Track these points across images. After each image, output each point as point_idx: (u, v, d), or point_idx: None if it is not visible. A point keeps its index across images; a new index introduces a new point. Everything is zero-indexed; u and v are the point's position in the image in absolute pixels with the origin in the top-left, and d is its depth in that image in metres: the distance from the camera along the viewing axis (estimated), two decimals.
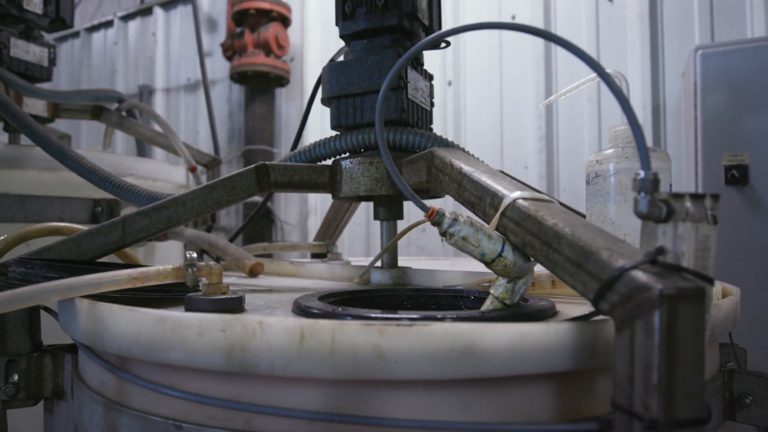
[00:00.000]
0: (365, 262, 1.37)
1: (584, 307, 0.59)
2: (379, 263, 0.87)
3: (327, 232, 1.30)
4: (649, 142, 1.94)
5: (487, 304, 0.51)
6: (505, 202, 0.51)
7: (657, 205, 0.39)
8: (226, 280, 0.98)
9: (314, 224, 2.45)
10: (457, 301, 0.69)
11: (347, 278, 0.95)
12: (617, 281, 0.37)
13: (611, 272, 0.38)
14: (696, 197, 0.39)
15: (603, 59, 2.01)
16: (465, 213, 0.50)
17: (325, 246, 1.25)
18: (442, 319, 0.44)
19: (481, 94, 2.24)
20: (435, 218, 0.49)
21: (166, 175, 1.46)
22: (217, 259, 1.13)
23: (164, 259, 1.37)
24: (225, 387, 0.44)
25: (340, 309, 0.48)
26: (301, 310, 0.52)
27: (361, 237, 2.34)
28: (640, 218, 0.39)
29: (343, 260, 1.23)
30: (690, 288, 0.35)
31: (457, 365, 0.40)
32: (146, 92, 3.48)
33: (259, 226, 2.42)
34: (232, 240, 1.19)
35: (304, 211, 2.51)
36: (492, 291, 0.51)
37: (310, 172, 0.84)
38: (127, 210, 1.03)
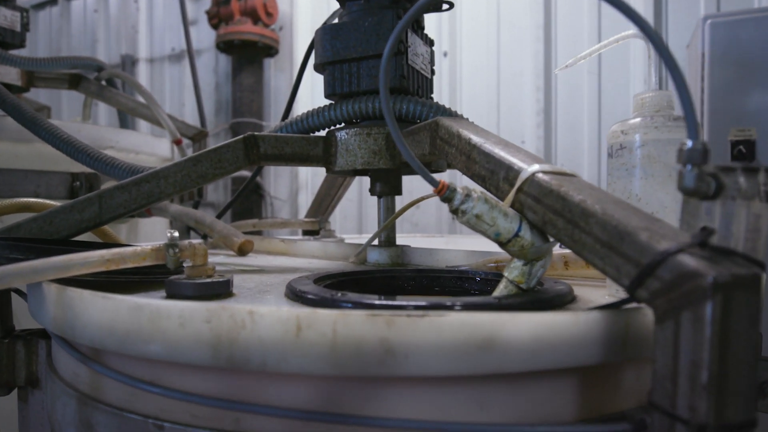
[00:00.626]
0: (359, 239, 1.32)
1: (601, 291, 0.55)
2: (376, 241, 0.82)
3: (319, 208, 1.24)
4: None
5: (501, 289, 0.46)
6: (523, 176, 0.46)
7: (705, 180, 0.34)
8: (213, 259, 0.92)
9: (305, 200, 2.39)
10: (463, 283, 0.64)
11: (342, 257, 0.90)
12: (660, 266, 0.33)
13: (653, 256, 0.33)
14: (749, 170, 0.34)
15: (604, 31, 1.95)
16: (477, 188, 0.45)
17: (317, 223, 1.20)
18: (457, 308, 0.39)
19: (478, 64, 2.16)
20: (445, 194, 0.44)
21: (149, 148, 1.39)
22: (204, 237, 1.08)
23: (148, 235, 1.31)
24: (212, 382, 0.39)
25: (339, 294, 0.44)
26: (295, 295, 0.47)
27: (353, 213, 2.29)
28: (685, 194, 0.34)
29: (337, 237, 1.18)
30: (746, 275, 0.31)
31: (475, 360, 0.35)
32: (129, 62, 3.35)
33: (248, 202, 2.36)
34: (219, 216, 1.13)
35: (295, 186, 2.44)
36: (506, 274, 0.47)
37: (302, 143, 0.78)
38: (108, 185, 0.97)
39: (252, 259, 0.89)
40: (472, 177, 0.55)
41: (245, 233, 1.16)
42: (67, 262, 0.44)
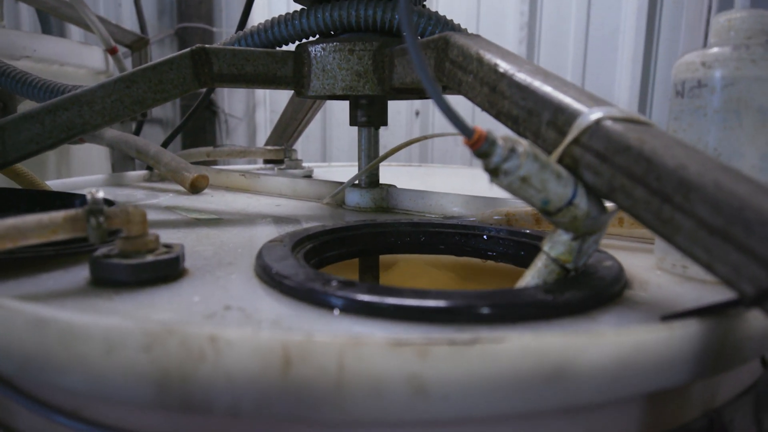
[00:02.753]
0: (326, 170, 1.19)
1: (640, 257, 0.45)
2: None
3: (283, 134, 1.09)
4: (642, 43, 1.75)
5: (539, 268, 0.36)
6: (582, 123, 0.34)
7: None
8: (160, 198, 0.78)
9: (263, 118, 2.18)
10: (470, 240, 0.54)
11: (314, 196, 0.78)
12: None
13: None
14: None
15: None
16: (522, 140, 0.33)
17: (282, 152, 1.06)
18: (513, 323, 0.28)
19: None
20: (481, 147, 0.32)
21: (77, 59, 1.16)
22: (149, 169, 0.92)
23: (84, 166, 1.13)
24: (160, 418, 0.28)
25: (334, 284, 0.32)
26: (270, 278, 0.35)
27: (315, 134, 2.10)
28: None
29: (305, 168, 1.04)
30: None
31: (536, 395, 0.25)
32: None
33: (200, 120, 2.13)
34: (167, 143, 0.97)
35: (252, 102, 2.22)
36: (546, 248, 0.36)
37: (267, 61, 0.62)
38: (26, 107, 0.79)
39: (207, 200, 0.75)
40: (497, 116, 0.42)
41: (198, 163, 1.00)
42: None
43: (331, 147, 1.85)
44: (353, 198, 0.70)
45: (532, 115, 0.38)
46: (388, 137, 1.96)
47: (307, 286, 0.32)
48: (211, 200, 0.76)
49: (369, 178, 0.71)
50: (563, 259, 0.35)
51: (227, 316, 0.30)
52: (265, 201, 0.76)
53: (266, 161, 1.09)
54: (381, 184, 0.72)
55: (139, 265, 0.34)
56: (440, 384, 0.24)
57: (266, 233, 0.53)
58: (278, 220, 0.61)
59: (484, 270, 0.68)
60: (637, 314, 0.31)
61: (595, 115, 0.33)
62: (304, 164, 1.11)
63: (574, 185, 0.33)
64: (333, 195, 0.73)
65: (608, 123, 0.33)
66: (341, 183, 0.75)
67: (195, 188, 0.79)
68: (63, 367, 0.26)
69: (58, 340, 0.25)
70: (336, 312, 0.30)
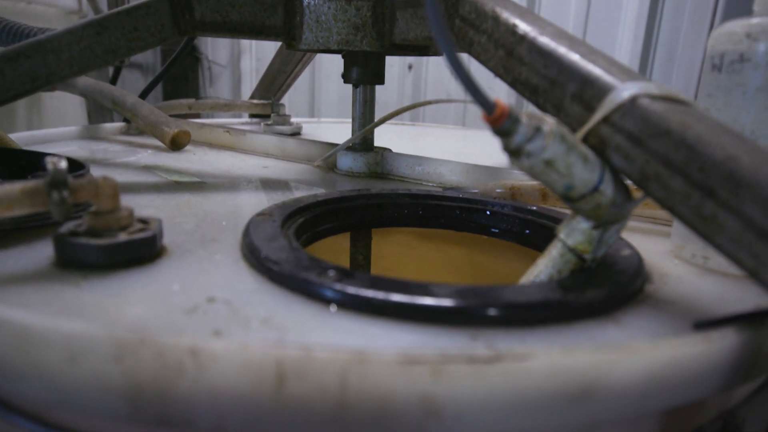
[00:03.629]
0: (316, 126, 1.13)
1: (654, 241, 0.43)
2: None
3: (270, 87, 1.03)
4: (647, 2, 1.67)
5: (554, 257, 0.33)
6: (614, 100, 0.30)
7: None
8: (137, 154, 0.73)
9: (249, 66, 2.08)
10: (471, 215, 0.51)
11: (304, 158, 0.73)
12: None
13: None
14: None
15: None
16: (548, 117, 0.29)
17: (269, 106, 1.00)
18: (536, 340, 0.25)
19: None
20: (503, 124, 0.28)
21: None
22: (126, 121, 0.86)
23: (57, 116, 1.05)
24: (135, 429, 0.25)
25: (332, 276, 0.29)
26: (260, 263, 0.32)
27: (303, 87, 2.02)
28: None
29: (293, 125, 0.99)
30: None
31: (560, 414, 0.22)
32: None
33: (182, 66, 2.03)
34: (147, 92, 0.91)
35: (236, 49, 2.11)
36: (562, 236, 0.33)
37: (255, 8, 0.56)
38: None
39: (189, 158, 0.70)
40: (512, 84, 0.38)
41: (179, 116, 0.95)
42: None
43: (320, 100, 1.77)
44: (346, 162, 0.66)
45: (555, 86, 0.34)
46: (378, 91, 1.89)
47: (301, 276, 0.29)
48: (193, 159, 0.71)
49: (363, 141, 0.66)
50: (581, 249, 0.32)
51: (210, 312, 0.26)
52: (251, 161, 0.71)
53: (252, 115, 1.03)
54: (375, 148, 0.68)
55: (111, 246, 0.31)
56: (455, 404, 0.21)
57: (253, 202, 0.49)
58: (266, 185, 0.57)
59: (487, 242, 0.65)
60: (664, 316, 0.29)
61: (629, 91, 0.30)
62: (293, 119, 1.06)
63: (600, 170, 0.30)
64: (324, 158, 0.69)
65: (645, 101, 0.29)
66: (332, 145, 0.70)
67: (176, 145, 0.74)
68: (20, 374, 0.22)
69: (14, 345, 0.22)
70: (333, 308, 0.27)
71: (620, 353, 0.22)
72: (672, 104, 0.29)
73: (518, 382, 0.21)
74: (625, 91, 0.30)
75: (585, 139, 0.32)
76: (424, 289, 0.27)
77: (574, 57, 0.33)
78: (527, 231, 0.48)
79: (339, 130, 1.08)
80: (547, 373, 0.21)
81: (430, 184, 0.62)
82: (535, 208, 0.48)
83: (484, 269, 0.87)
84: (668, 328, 0.27)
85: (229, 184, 0.57)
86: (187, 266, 0.32)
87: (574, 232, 0.32)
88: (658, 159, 0.28)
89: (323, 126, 1.15)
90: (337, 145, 0.70)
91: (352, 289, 0.27)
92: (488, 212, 0.50)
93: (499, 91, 1.60)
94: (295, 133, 0.98)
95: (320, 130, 1.09)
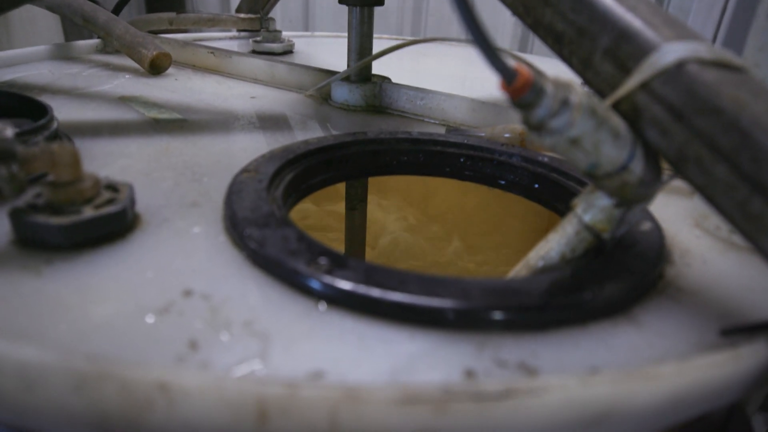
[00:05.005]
0: (308, 42, 1.04)
1: (671, 207, 0.39)
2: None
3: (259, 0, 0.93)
4: None
5: (569, 234, 0.30)
6: (656, 63, 0.25)
7: None
8: (113, 80, 0.67)
9: None
10: (476, 163, 0.47)
11: (295, 86, 0.67)
12: None
13: None
14: None
15: None
16: (575, 85, 0.25)
17: (258, 20, 0.91)
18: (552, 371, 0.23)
19: None
20: (526, 96, 0.23)
21: None
22: (102, 39, 0.78)
23: (28, 34, 0.95)
24: None
25: (325, 271, 0.26)
26: (244, 245, 0.28)
27: None
28: None
29: (284, 42, 0.91)
30: None
31: None
32: None
33: None
34: (119, 8, 0.82)
35: None
36: (579, 211, 0.30)
37: None
38: None
39: (170, 85, 0.64)
40: (533, 27, 0.33)
41: (159, 32, 0.86)
42: None
43: (314, 7, 1.64)
44: (341, 94, 0.60)
45: (584, 36, 0.29)
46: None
47: (288, 266, 0.26)
48: (175, 85, 0.65)
49: (360, 71, 0.61)
50: (600, 227, 0.29)
51: (186, 311, 0.24)
52: (237, 89, 0.66)
53: (239, 30, 0.95)
54: (373, 77, 0.62)
55: (74, 225, 0.27)
56: None
57: (239, 147, 0.45)
58: (254, 122, 0.52)
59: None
60: (686, 312, 0.26)
61: (675, 53, 0.25)
62: (284, 34, 0.97)
63: (631, 146, 0.26)
64: (317, 88, 0.63)
65: (693, 68, 0.24)
66: (326, 72, 0.64)
67: (155, 69, 0.68)
68: None
69: None
70: (322, 307, 0.24)
71: (643, 382, 0.20)
72: (725, 72, 0.24)
73: (529, 418, 0.19)
74: (669, 52, 0.25)
75: (616, 105, 0.27)
76: (426, 286, 0.24)
77: (609, 2, 0.28)
78: (536, 185, 0.44)
79: (335, 48, 1.00)
80: (561, 407, 0.19)
81: (432, 121, 0.58)
82: (546, 159, 0.44)
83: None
84: (691, 331, 0.25)
85: (213, 122, 0.52)
86: (162, 244, 0.29)
87: (592, 209, 0.29)
88: (701, 140, 0.24)
89: (317, 42, 1.06)
90: (331, 72, 0.64)
91: (345, 284, 0.24)
92: (495, 161, 0.46)
93: (503, 34, 1.46)
94: (287, 52, 0.90)
95: (314, 47, 1.01)
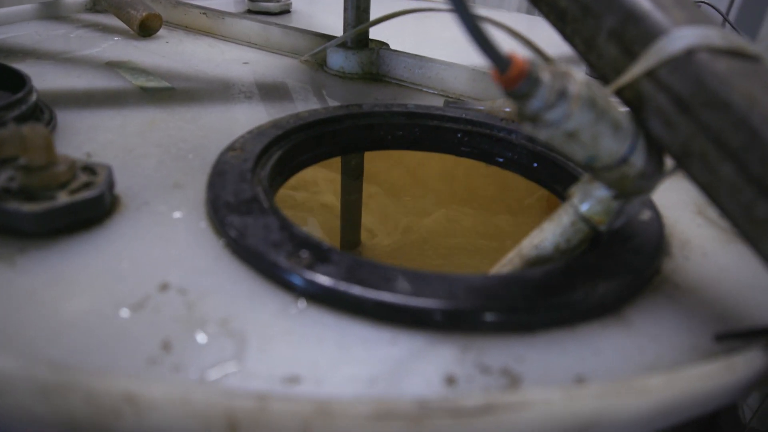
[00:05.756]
0: (309, 0, 1.00)
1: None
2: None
3: None
4: None
5: (564, 224, 0.29)
6: (664, 49, 0.23)
7: None
8: (102, 43, 0.64)
9: None
10: (474, 139, 0.45)
11: (291, 50, 0.65)
12: None
13: None
14: None
15: None
16: (574, 72, 0.23)
17: None
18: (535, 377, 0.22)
19: None
20: (520, 86, 0.22)
21: None
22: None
23: None
24: None
25: (306, 265, 0.25)
26: (225, 233, 0.27)
27: None
28: None
29: (280, 1, 0.87)
30: None
31: None
32: None
33: None
34: None
35: None
36: (576, 201, 0.28)
37: None
38: None
39: (160, 48, 0.62)
40: (535, 2, 0.30)
41: None
42: None
43: None
44: (337, 60, 0.58)
45: (589, 14, 0.27)
46: None
47: (268, 258, 0.25)
48: (166, 49, 0.62)
49: (357, 37, 0.58)
50: (597, 219, 0.28)
51: (162, 308, 0.23)
52: (230, 54, 0.63)
53: None
54: (371, 43, 0.59)
55: (48, 212, 0.26)
56: None
57: (228, 121, 0.43)
58: (245, 92, 0.50)
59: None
60: (681, 313, 0.25)
61: (685, 39, 0.23)
62: None
63: (632, 138, 0.24)
64: (313, 53, 0.61)
65: (703, 57, 0.22)
66: (323, 36, 0.62)
67: (145, 30, 0.65)
68: None
69: None
70: (301, 304, 0.24)
71: (628, 396, 0.19)
72: (738, 62, 0.22)
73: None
74: (679, 39, 0.23)
75: (619, 92, 0.26)
76: (411, 284, 0.23)
77: None
78: (535, 164, 0.42)
79: (334, 8, 0.95)
80: (542, 424, 0.18)
81: (431, 91, 0.55)
82: None
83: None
84: (685, 335, 0.24)
85: (203, 91, 0.50)
86: (141, 231, 0.28)
87: (590, 199, 0.28)
88: (708, 135, 0.22)
89: (317, 0, 1.02)
90: (327, 36, 0.61)
91: (325, 280, 0.24)
92: (493, 138, 0.44)
93: (508, 6, 1.39)
94: (284, 11, 0.87)
95: (314, 5, 0.97)
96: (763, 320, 0.25)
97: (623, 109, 0.25)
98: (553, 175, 0.41)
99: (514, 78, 0.21)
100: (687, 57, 0.23)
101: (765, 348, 0.22)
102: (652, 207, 0.32)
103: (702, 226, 0.33)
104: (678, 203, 0.36)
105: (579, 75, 0.23)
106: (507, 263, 0.31)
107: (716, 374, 0.20)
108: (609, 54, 0.26)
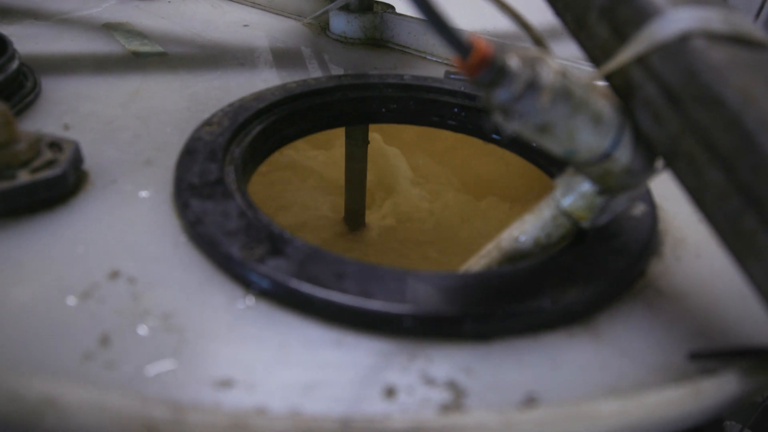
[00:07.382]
0: None
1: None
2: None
3: None
4: None
5: (545, 218, 0.27)
6: (656, 33, 0.21)
7: None
8: (100, 3, 0.62)
9: None
10: (471, 115, 0.43)
11: (294, 12, 0.62)
12: None
13: None
14: None
15: None
16: (549, 60, 0.20)
17: None
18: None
19: None
20: (482, 75, 0.20)
21: None
22: None
23: None
24: None
25: (260, 258, 0.24)
26: (185, 218, 0.26)
27: None
28: None
29: None
30: None
31: None
32: None
33: None
34: None
35: None
36: (558, 194, 0.26)
37: None
38: None
39: (160, 9, 0.60)
40: None
41: None
42: None
43: None
44: (339, 24, 0.55)
45: None
46: None
47: (221, 248, 0.24)
48: (167, 10, 0.61)
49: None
50: (578, 215, 0.26)
51: (107, 298, 0.22)
52: (231, 15, 0.61)
53: None
54: (376, 5, 0.56)
55: (7, 192, 0.26)
56: None
57: (217, 90, 0.42)
58: (239, 58, 0.49)
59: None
60: (659, 323, 0.23)
61: (681, 22, 0.20)
62: None
63: (616, 132, 0.22)
64: (315, 16, 0.58)
65: (699, 43, 0.20)
66: None
67: None
68: None
69: None
70: (249, 300, 0.23)
71: (576, 422, 0.17)
72: (739, 51, 0.20)
73: None
74: (674, 21, 0.20)
75: (608, 78, 0.23)
76: (363, 282, 0.22)
77: None
78: (533, 143, 0.40)
79: None
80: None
81: (435, 59, 0.52)
82: None
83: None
84: (657, 350, 0.22)
85: (197, 57, 0.48)
86: (104, 212, 0.27)
87: (572, 193, 0.26)
88: (697, 133, 0.20)
89: None
90: None
91: (275, 275, 0.23)
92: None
93: None
94: None
95: None
96: (752, 335, 0.23)
97: (610, 99, 0.22)
98: (550, 156, 0.39)
99: (475, 65, 0.19)
100: (681, 43, 0.20)
101: (741, 371, 0.20)
102: (648, 199, 0.30)
103: (703, 222, 0.31)
104: (679, 194, 0.33)
105: (554, 62, 0.20)
106: (485, 255, 0.29)
107: (678, 401, 0.19)
108: (599, 35, 0.23)
